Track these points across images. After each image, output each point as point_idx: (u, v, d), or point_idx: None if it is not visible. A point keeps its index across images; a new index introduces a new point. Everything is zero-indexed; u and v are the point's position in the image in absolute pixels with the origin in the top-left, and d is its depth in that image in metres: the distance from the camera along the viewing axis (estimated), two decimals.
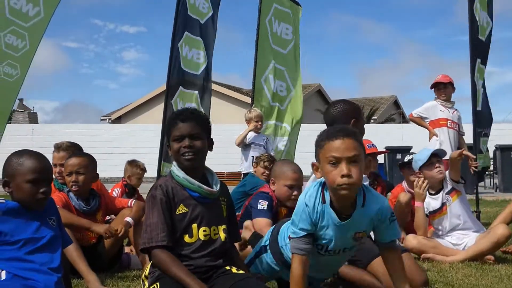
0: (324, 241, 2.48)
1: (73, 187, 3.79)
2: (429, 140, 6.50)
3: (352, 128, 2.47)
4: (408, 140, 18.17)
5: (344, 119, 3.42)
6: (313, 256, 2.51)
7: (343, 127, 2.41)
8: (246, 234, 3.75)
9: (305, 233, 2.39)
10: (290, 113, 7.44)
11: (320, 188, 2.45)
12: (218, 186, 2.67)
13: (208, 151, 2.69)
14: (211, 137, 2.72)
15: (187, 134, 2.58)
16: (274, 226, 2.83)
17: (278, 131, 7.35)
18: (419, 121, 6.50)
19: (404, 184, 5.54)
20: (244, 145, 6.66)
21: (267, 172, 5.54)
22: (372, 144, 4.51)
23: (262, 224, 3.80)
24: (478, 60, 6.96)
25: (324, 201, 2.41)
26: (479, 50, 6.98)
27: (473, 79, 6.78)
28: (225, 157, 17.57)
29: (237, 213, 4.33)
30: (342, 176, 2.28)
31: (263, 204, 3.86)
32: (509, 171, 13.15)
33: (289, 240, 2.50)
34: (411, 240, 4.42)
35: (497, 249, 4.32)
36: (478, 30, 6.95)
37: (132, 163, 5.71)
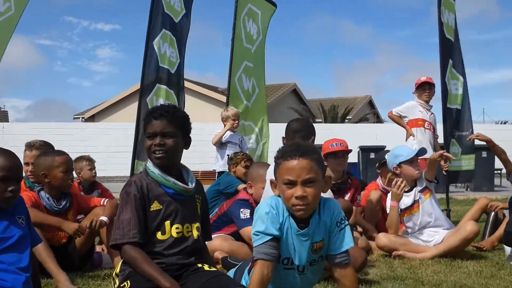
0: (288, 255, 2.37)
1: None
2: (406, 140, 6.49)
3: (311, 145, 2.44)
4: (382, 140, 18.15)
5: (305, 133, 3.45)
6: (284, 276, 2.40)
7: (300, 145, 2.34)
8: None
9: (271, 237, 2.28)
10: (256, 111, 7.42)
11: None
12: (194, 183, 2.64)
13: (185, 150, 2.65)
14: (190, 136, 2.66)
15: (159, 132, 2.55)
16: (235, 269, 2.67)
17: (244, 130, 7.26)
18: (398, 119, 6.46)
19: (379, 181, 5.51)
20: (220, 144, 6.58)
21: (246, 170, 5.45)
22: (340, 143, 4.67)
23: (247, 236, 3.74)
24: (451, 62, 6.93)
25: (287, 211, 2.35)
26: (449, 50, 6.95)
27: (444, 79, 6.76)
28: (200, 156, 17.32)
29: (212, 214, 4.49)
30: (297, 197, 2.24)
31: (245, 213, 3.80)
32: (479, 171, 13.03)
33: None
34: (382, 238, 4.41)
35: (466, 245, 4.36)
36: (445, 30, 6.92)
37: (77, 159, 5.51)
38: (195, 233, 2.57)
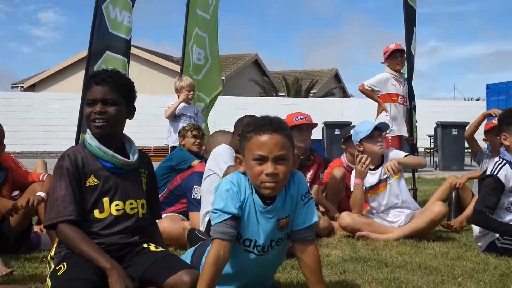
0: (251, 235, 2.37)
1: None
2: (377, 115, 6.42)
3: (283, 121, 2.38)
4: (348, 115, 18.17)
5: None
6: (243, 260, 2.41)
7: (273, 120, 2.32)
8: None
9: (230, 216, 2.28)
10: (207, 84, 7.25)
11: (246, 177, 2.36)
12: (136, 156, 2.58)
13: (129, 120, 2.55)
14: (134, 105, 2.59)
15: (100, 98, 2.47)
16: (194, 249, 2.67)
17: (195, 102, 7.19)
18: (370, 93, 6.36)
19: (343, 158, 5.53)
20: (173, 117, 6.43)
21: (198, 141, 5.43)
22: (305, 117, 4.58)
23: (195, 220, 3.69)
24: (415, 29, 6.89)
25: (251, 188, 2.34)
26: (412, 17, 6.87)
27: (409, 49, 6.70)
28: (152, 131, 17.12)
29: (163, 191, 4.48)
30: (267, 174, 2.24)
31: (198, 192, 3.74)
32: (449, 149, 13.24)
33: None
34: (345, 218, 4.41)
35: (433, 227, 4.40)
36: None
37: None
38: (140, 211, 2.52)
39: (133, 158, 2.54)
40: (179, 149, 5.58)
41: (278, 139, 2.24)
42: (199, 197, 3.72)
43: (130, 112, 2.57)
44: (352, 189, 4.50)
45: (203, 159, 4.48)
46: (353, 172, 4.49)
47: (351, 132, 4.87)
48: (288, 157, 2.27)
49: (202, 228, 3.49)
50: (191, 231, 3.56)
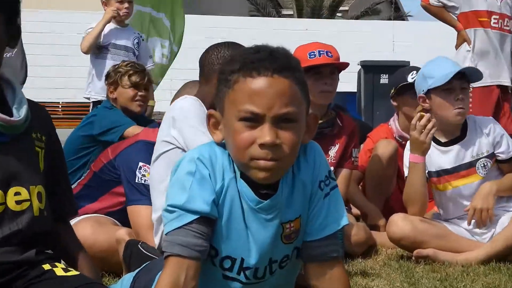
0: (234, 251, 2.16)
1: None
2: (456, 48, 5.71)
3: (291, 54, 2.19)
4: (401, 51, 16.03)
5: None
6: None
7: (275, 52, 2.08)
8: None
9: (197, 217, 2.06)
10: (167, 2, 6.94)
11: (225, 152, 2.17)
12: (24, 111, 2.35)
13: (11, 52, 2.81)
14: (19, 24, 2.47)
15: None
16: (135, 274, 2.50)
17: (152, 27, 6.67)
18: (440, 12, 5.74)
19: (394, 123, 5.01)
20: (97, 49, 5.75)
21: (140, 93, 4.93)
22: (327, 53, 4.26)
23: (143, 220, 3.56)
24: None
25: (233, 170, 2.15)
26: None
27: None
28: (62, 75, 13.88)
29: (80, 176, 4.24)
30: (262, 145, 2.01)
31: (147, 173, 3.61)
32: None
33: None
34: (399, 224, 3.86)
35: None
36: None
37: None
38: (36, 205, 2.29)
39: (19, 115, 2.35)
40: (105, 107, 5.05)
41: (282, 86, 2.03)
42: (147, 183, 3.53)
43: (12, 37, 2.37)
44: (406, 174, 4.00)
45: (153, 124, 4.17)
46: (408, 144, 4.02)
47: (411, 76, 4.58)
48: (299, 118, 2.08)
49: (157, 240, 3.26)
50: (131, 245, 3.33)
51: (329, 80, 4.36)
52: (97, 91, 5.78)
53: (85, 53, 5.89)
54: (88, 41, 5.78)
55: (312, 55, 4.44)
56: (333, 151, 4.52)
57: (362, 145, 5.05)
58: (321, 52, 4.45)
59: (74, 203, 2.62)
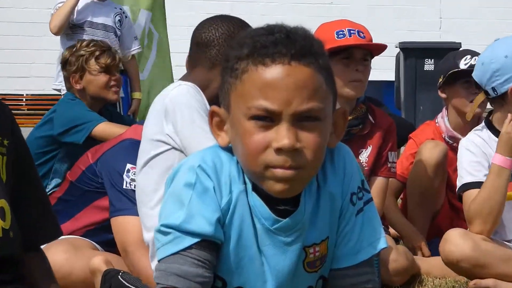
0: (247, 281, 2.17)
1: None
2: None
3: (314, 37, 2.15)
4: (451, 30, 15.20)
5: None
6: None
7: (293, 32, 2.06)
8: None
9: (198, 240, 2.03)
10: None
11: (233, 158, 2.18)
12: None
13: None
14: None
15: None
16: None
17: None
18: None
19: (442, 120, 4.83)
20: (69, 28, 5.54)
21: (114, 77, 4.78)
22: (358, 32, 4.14)
23: (132, 235, 3.54)
24: None
25: (244, 181, 2.13)
26: None
27: None
28: (26, 60, 12.86)
29: (51, 188, 4.35)
30: (279, 150, 1.96)
31: (132, 175, 3.69)
32: None
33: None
34: (458, 241, 3.76)
35: None
36: None
37: None
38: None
39: None
40: (68, 100, 4.77)
41: (303, 75, 1.97)
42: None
43: None
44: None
45: (140, 121, 4.16)
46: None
47: (464, 61, 4.51)
48: (324, 115, 2.02)
49: (153, 265, 3.20)
50: (110, 276, 3.39)
51: (361, 67, 4.20)
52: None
53: (55, 34, 5.73)
54: (58, 19, 5.63)
55: (340, 34, 4.24)
56: (365, 156, 4.35)
57: (402, 148, 5.00)
58: (351, 31, 4.24)
59: (52, 223, 2.56)
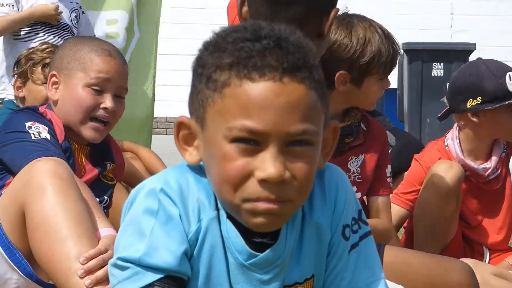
0: None
1: None
2: None
3: (305, 40, 2.11)
4: (463, 29, 15.35)
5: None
6: None
7: (281, 37, 2.04)
8: None
9: (161, 277, 2.03)
10: None
11: (202, 179, 2.17)
12: None
13: None
14: None
15: None
16: None
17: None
18: None
19: (453, 142, 4.76)
20: (14, 35, 5.41)
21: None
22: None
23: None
24: None
25: (216, 207, 2.12)
26: None
27: None
28: None
29: None
30: (263, 181, 1.93)
31: (37, 130, 3.76)
32: None
33: None
34: (462, 275, 3.78)
35: None
36: None
37: None
38: None
39: None
40: (7, 109, 4.82)
41: (296, 94, 1.96)
42: (45, 137, 3.74)
43: None
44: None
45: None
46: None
47: (510, 80, 4.50)
48: (317, 140, 2.02)
49: None
50: None
51: (388, 81, 4.28)
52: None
53: None
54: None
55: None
56: (355, 165, 4.31)
57: (404, 173, 4.90)
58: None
59: None
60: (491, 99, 4.82)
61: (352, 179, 4.29)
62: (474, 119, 4.83)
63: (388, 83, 4.29)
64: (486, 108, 4.82)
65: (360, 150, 4.47)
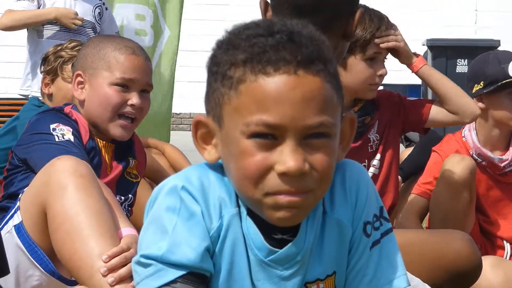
0: None
1: None
2: None
3: (319, 35, 2.05)
4: (488, 26, 15.18)
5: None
6: None
7: (294, 31, 1.98)
8: None
9: (184, 273, 1.98)
10: None
11: (223, 177, 2.08)
12: None
13: None
14: None
15: None
16: None
17: None
18: None
19: (470, 133, 4.71)
20: (38, 33, 5.17)
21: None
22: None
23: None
24: None
25: (237, 204, 2.05)
26: None
27: None
28: None
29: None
30: (283, 174, 1.89)
31: (61, 131, 3.65)
32: None
33: None
34: (487, 272, 3.86)
35: None
36: None
37: None
38: None
39: None
40: (33, 106, 4.72)
41: (311, 86, 1.92)
42: (69, 138, 3.68)
43: None
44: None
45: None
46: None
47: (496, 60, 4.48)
48: (335, 132, 1.98)
49: None
50: None
51: (383, 68, 4.25)
52: (39, 86, 5.29)
53: (3, 29, 5.61)
54: (12, 21, 5.54)
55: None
56: (373, 132, 4.44)
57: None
58: None
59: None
60: (491, 83, 4.89)
61: (372, 173, 4.50)
62: (480, 105, 4.89)
63: (381, 66, 4.34)
64: (484, 92, 4.89)
65: (375, 120, 4.63)
